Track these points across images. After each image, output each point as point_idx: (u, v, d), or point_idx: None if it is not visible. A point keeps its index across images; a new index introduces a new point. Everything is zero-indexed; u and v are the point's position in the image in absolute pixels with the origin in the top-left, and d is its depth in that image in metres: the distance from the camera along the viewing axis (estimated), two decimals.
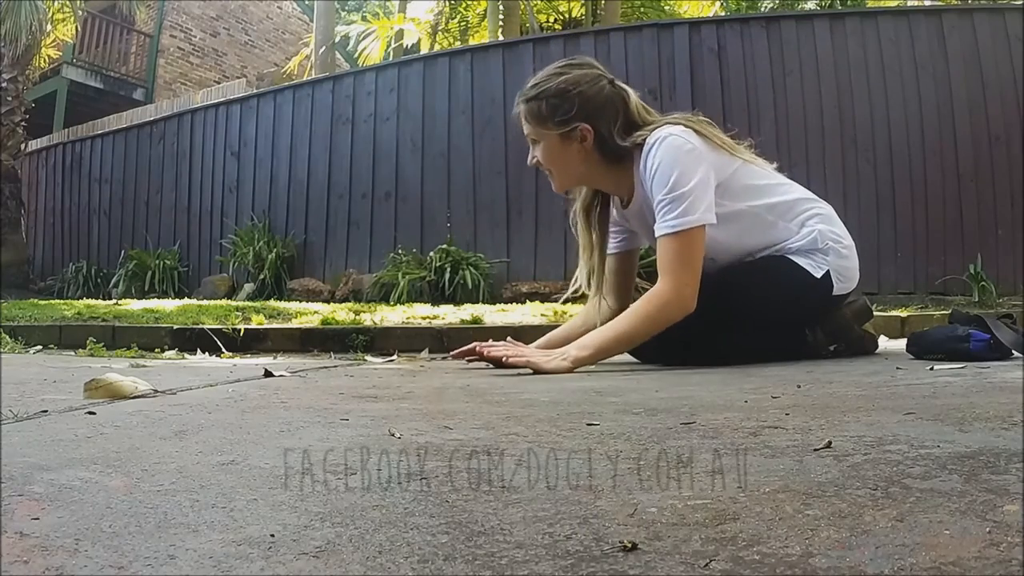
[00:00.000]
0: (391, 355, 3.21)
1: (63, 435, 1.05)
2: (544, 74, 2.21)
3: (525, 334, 3.48)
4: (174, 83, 14.44)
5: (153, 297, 6.52)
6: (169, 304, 5.16)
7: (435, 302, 5.16)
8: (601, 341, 2.03)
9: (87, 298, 6.73)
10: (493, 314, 4.10)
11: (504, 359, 2.06)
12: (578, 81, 2.13)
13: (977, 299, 4.57)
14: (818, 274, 2.13)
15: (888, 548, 0.52)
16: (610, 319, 2.16)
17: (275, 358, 3.11)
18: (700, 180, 2.01)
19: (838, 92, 5.24)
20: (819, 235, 2.15)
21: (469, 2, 13.35)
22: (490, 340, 2.31)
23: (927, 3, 9.48)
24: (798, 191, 2.24)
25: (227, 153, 7.16)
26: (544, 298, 5.29)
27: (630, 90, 2.19)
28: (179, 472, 0.83)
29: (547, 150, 2.18)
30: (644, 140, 2.09)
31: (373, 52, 12.48)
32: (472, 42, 12.52)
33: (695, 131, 2.09)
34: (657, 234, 2.05)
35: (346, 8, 23.01)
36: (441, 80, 6.18)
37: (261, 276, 6.45)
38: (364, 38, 12.87)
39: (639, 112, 2.15)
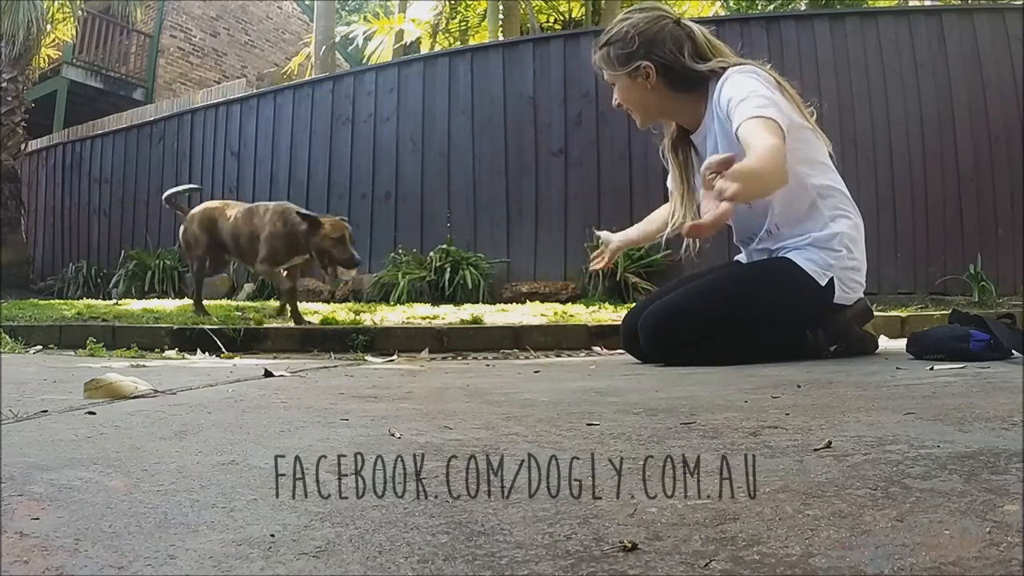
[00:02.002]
0: (391, 355, 3.21)
1: (63, 435, 1.05)
2: (613, 23, 2.34)
3: (525, 334, 3.48)
4: (174, 83, 14.42)
5: (153, 297, 6.51)
6: (169, 304, 5.16)
7: (435, 302, 5.16)
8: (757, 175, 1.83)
9: (87, 298, 6.72)
10: (493, 314, 4.10)
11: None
12: (637, 23, 2.24)
13: (977, 299, 4.56)
14: (822, 281, 2.13)
15: (888, 548, 0.52)
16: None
17: (275, 358, 3.10)
18: (779, 102, 2.05)
19: (838, 92, 5.23)
20: (839, 236, 2.15)
21: (469, 2, 13.35)
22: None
23: (927, 3, 9.48)
24: (844, 188, 2.26)
25: (227, 153, 7.16)
26: (544, 298, 5.29)
27: (697, 27, 2.27)
28: (179, 472, 0.83)
29: (621, 90, 2.31)
30: (722, 68, 2.16)
31: (383, 53, 12.45)
32: (472, 42, 12.52)
33: (775, 80, 2.15)
34: (736, 123, 1.98)
35: (346, 8, 23.01)
36: (441, 80, 6.18)
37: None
38: (369, 40, 12.86)
39: (708, 42, 2.24)
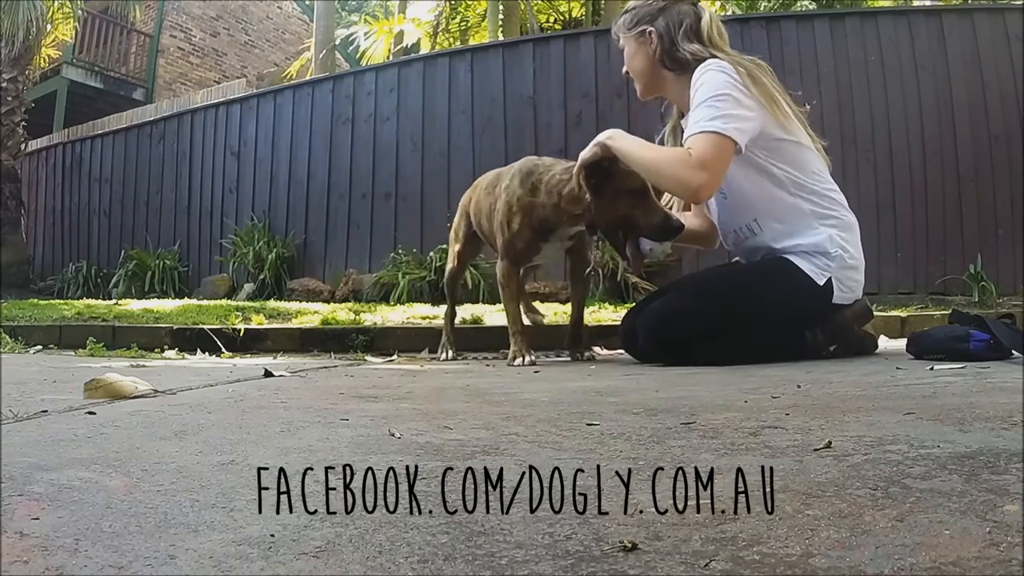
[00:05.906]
0: (391, 355, 3.20)
1: (63, 435, 1.05)
2: None
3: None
4: (174, 83, 14.42)
5: (153, 297, 6.51)
6: (169, 304, 5.16)
7: (435, 302, 5.16)
8: (631, 150, 2.13)
9: (87, 298, 6.72)
10: (493, 314, 4.09)
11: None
12: None
13: (977, 299, 4.56)
14: (820, 281, 2.13)
15: (888, 548, 0.52)
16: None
17: (275, 358, 3.10)
18: (739, 107, 2.07)
19: (838, 92, 5.23)
20: (829, 239, 2.14)
21: (469, 2, 13.34)
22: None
23: (927, 3, 9.48)
24: (834, 192, 2.25)
25: (227, 153, 7.15)
26: (544, 298, 5.28)
27: (709, 13, 2.30)
28: (179, 472, 0.83)
29: (628, 55, 2.38)
30: (703, 57, 2.18)
31: (378, 52, 12.45)
32: (472, 42, 12.51)
33: (752, 76, 2.13)
34: (687, 133, 2.10)
35: (346, 9, 23.00)
36: (441, 80, 6.17)
37: (261, 276, 6.44)
38: (367, 38, 12.85)
39: (710, 30, 2.25)
